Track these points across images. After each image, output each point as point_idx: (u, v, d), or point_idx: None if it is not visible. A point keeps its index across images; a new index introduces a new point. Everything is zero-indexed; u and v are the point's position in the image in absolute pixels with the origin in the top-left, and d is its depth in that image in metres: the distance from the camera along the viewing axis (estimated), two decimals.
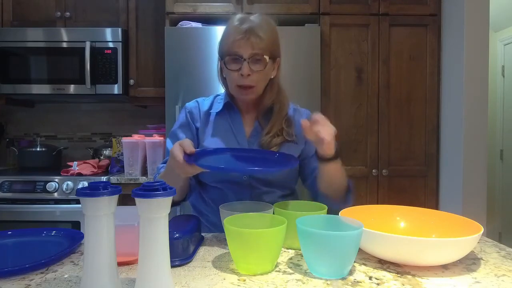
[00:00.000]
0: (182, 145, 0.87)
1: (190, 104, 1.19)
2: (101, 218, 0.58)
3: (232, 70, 1.04)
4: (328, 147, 0.92)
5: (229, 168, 0.94)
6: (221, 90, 1.22)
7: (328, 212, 0.86)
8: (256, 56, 1.02)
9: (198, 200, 1.15)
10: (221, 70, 1.13)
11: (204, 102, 1.19)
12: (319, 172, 1.03)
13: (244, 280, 0.67)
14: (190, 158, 0.86)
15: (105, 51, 2.28)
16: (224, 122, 1.14)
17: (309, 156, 1.12)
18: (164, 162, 1.12)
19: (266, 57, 1.04)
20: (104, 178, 2.10)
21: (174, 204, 1.07)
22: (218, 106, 1.16)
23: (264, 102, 1.11)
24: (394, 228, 0.89)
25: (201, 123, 1.15)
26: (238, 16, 1.07)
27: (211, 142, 1.10)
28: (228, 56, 1.04)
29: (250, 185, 1.07)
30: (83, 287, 0.58)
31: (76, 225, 2.02)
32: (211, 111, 1.16)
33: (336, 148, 0.96)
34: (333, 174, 1.01)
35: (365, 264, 0.75)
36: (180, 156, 0.85)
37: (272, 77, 1.10)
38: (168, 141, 1.16)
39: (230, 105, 1.14)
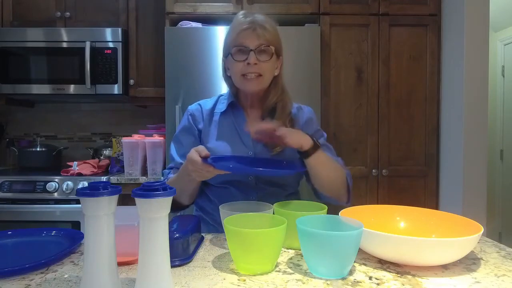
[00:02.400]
0: (197, 150, 0.91)
1: (192, 107, 1.19)
2: (101, 218, 0.58)
3: (238, 61, 1.05)
4: (287, 141, 0.96)
5: (243, 168, 0.99)
6: (222, 90, 1.22)
7: (328, 212, 0.87)
8: (262, 47, 1.04)
9: (203, 199, 1.15)
10: (225, 70, 1.14)
11: (207, 103, 1.19)
12: (308, 168, 1.04)
13: (244, 280, 0.67)
14: (205, 160, 0.91)
15: (105, 51, 2.28)
16: (229, 122, 1.14)
17: None
18: (170, 168, 1.14)
19: (272, 48, 1.05)
20: (104, 178, 2.10)
21: (182, 207, 1.11)
22: (222, 106, 1.16)
23: (269, 99, 1.11)
24: (394, 228, 0.89)
25: (204, 123, 1.15)
26: (242, 11, 1.10)
27: (215, 143, 1.11)
28: (234, 47, 1.05)
29: (256, 186, 1.08)
30: (83, 287, 0.58)
31: (76, 225, 2.02)
32: (215, 111, 1.16)
33: (314, 142, 0.99)
34: (319, 169, 1.03)
35: (365, 264, 0.75)
36: (198, 158, 0.90)
37: (276, 74, 1.11)
38: (172, 146, 1.17)
39: (234, 104, 1.14)
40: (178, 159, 1.14)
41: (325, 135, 1.21)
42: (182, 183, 1.02)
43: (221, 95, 1.21)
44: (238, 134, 1.12)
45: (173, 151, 1.16)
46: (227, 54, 1.09)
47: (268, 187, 1.08)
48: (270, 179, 1.08)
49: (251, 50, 1.03)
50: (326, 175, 1.05)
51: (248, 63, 1.03)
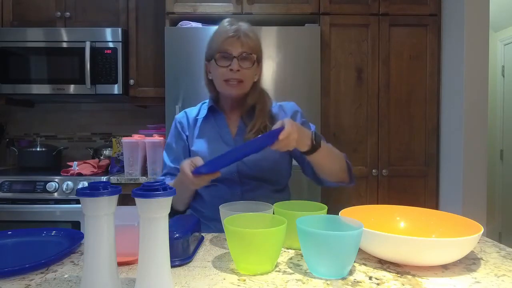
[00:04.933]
0: (194, 162, 0.96)
1: (179, 116, 1.25)
2: (101, 218, 0.58)
3: (221, 66, 1.09)
4: (286, 144, 0.92)
5: (224, 157, 0.94)
6: None
7: (328, 212, 0.87)
8: (244, 54, 1.09)
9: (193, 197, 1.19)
10: (206, 73, 1.19)
11: (192, 111, 1.25)
12: (310, 162, 1.08)
13: (244, 280, 0.67)
14: (196, 172, 0.93)
15: (105, 51, 2.28)
16: (210, 126, 1.19)
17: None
18: (163, 175, 1.20)
19: (254, 56, 1.11)
20: (104, 178, 2.10)
21: (178, 213, 1.16)
22: (203, 112, 1.21)
23: (247, 102, 1.16)
24: (394, 228, 0.89)
25: (189, 130, 1.21)
26: (227, 19, 1.15)
27: (198, 146, 1.16)
28: (218, 53, 1.10)
29: (240, 181, 1.12)
30: (83, 287, 0.58)
31: (76, 225, 2.02)
32: (197, 117, 1.22)
33: (313, 141, 0.99)
34: (321, 162, 1.07)
35: (365, 264, 0.75)
36: (189, 173, 0.93)
37: (255, 80, 1.16)
38: (165, 153, 1.22)
39: (214, 108, 1.20)
40: (170, 164, 1.19)
41: (313, 127, 1.21)
42: (178, 192, 1.03)
43: (204, 103, 1.26)
44: (219, 135, 1.17)
45: (165, 157, 1.21)
46: (210, 58, 1.13)
47: (251, 181, 1.12)
48: (252, 173, 1.11)
49: (235, 57, 1.07)
50: (328, 167, 1.10)
51: (231, 69, 1.07)
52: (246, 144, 0.97)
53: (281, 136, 0.90)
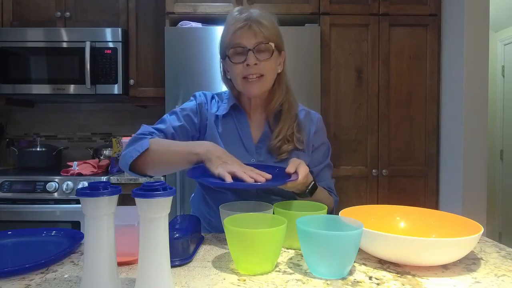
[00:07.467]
0: (251, 172, 0.86)
1: (200, 98, 1.11)
2: (101, 218, 0.58)
3: (237, 63, 0.98)
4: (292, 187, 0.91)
5: (223, 183, 0.88)
6: (222, 89, 1.20)
7: (328, 212, 0.87)
8: (260, 45, 0.97)
9: (201, 202, 1.12)
10: (224, 73, 1.08)
11: (212, 103, 1.12)
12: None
13: (244, 280, 0.67)
14: (194, 173, 0.89)
15: (105, 51, 2.28)
16: (231, 126, 1.07)
17: (312, 166, 1.09)
18: (155, 129, 1.02)
19: (272, 44, 0.98)
20: (104, 178, 2.10)
21: (144, 174, 0.99)
22: (224, 108, 1.09)
23: (274, 100, 1.05)
24: (394, 228, 0.89)
25: (208, 123, 1.08)
26: (237, 8, 1.04)
27: None
28: (231, 48, 0.99)
29: (258, 194, 1.04)
30: (83, 287, 0.58)
31: (76, 225, 2.02)
32: (217, 113, 1.09)
33: (306, 189, 0.95)
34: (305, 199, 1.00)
35: (365, 264, 0.75)
36: (230, 178, 0.84)
37: (279, 71, 1.05)
38: (173, 116, 1.07)
39: (237, 107, 1.08)
40: (171, 129, 1.02)
41: (330, 149, 1.16)
42: (177, 155, 0.93)
43: (224, 92, 1.14)
44: (241, 140, 1.06)
45: (173, 120, 1.05)
46: (224, 56, 1.03)
47: (268, 195, 1.04)
48: (270, 189, 1.04)
49: (249, 50, 0.96)
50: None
51: (248, 64, 0.96)
52: (258, 184, 0.91)
53: (289, 185, 0.88)
